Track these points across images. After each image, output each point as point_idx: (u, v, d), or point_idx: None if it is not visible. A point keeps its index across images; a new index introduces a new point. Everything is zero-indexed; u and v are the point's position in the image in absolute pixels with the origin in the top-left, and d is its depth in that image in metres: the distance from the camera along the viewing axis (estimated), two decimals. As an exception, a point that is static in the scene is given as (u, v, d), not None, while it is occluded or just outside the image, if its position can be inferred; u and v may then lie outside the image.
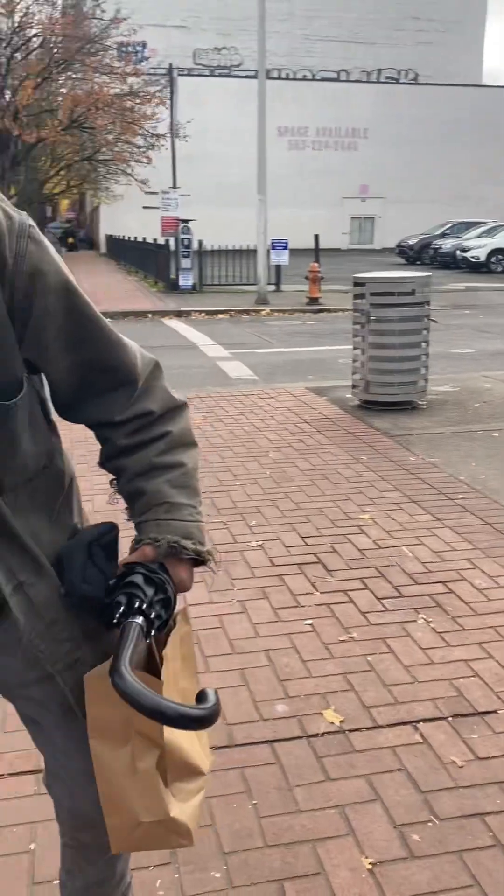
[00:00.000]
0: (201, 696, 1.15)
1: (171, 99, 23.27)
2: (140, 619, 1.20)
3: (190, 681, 1.40)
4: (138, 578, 1.24)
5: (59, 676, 1.29)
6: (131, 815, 1.26)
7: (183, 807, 1.28)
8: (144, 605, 1.21)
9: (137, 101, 26.36)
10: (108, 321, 1.28)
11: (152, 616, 1.22)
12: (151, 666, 1.25)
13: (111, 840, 1.32)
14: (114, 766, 1.26)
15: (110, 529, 1.30)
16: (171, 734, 1.25)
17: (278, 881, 1.99)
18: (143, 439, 1.30)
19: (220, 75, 41.91)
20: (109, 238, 36.71)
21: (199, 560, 1.33)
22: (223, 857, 2.07)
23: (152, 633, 1.23)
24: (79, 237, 48.39)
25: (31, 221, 1.17)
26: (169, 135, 25.08)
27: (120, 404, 1.28)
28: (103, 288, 20.03)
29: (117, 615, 1.21)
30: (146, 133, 26.74)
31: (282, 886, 1.98)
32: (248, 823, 2.18)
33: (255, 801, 2.26)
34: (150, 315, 15.67)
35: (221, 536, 4.13)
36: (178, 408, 1.35)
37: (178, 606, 1.33)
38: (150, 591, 1.23)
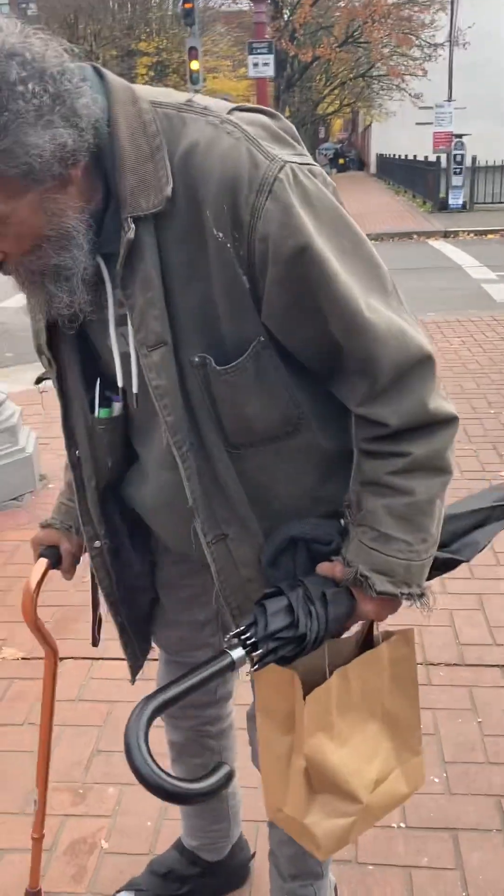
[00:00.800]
0: (213, 769, 1.03)
1: (452, 3, 21.87)
2: (238, 654, 1.09)
3: (404, 703, 1.31)
4: (278, 603, 1.12)
5: None
6: (277, 799, 1.29)
7: (322, 821, 1.25)
8: (254, 638, 1.09)
9: (416, 8, 25.22)
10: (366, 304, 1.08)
11: (257, 653, 1.09)
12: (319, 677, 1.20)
13: (265, 803, 1.33)
14: (274, 746, 1.26)
15: (328, 542, 1.20)
16: (318, 753, 1.21)
17: (497, 797, 2.04)
18: (379, 451, 1.14)
19: (509, -29, 38.64)
20: (380, 157, 35.91)
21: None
22: (444, 765, 2.14)
23: (256, 666, 1.11)
24: (349, 157, 47.86)
25: (280, 174, 1.01)
26: (447, 43, 23.76)
27: (357, 395, 1.12)
28: (369, 208, 19.76)
29: (229, 634, 1.12)
30: (423, 43, 25.59)
31: (500, 802, 2.02)
32: (472, 738, 2.23)
33: (480, 720, 2.30)
34: (415, 236, 15.27)
35: (469, 464, 4.07)
36: (434, 424, 1.13)
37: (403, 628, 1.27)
38: (276, 624, 1.10)
